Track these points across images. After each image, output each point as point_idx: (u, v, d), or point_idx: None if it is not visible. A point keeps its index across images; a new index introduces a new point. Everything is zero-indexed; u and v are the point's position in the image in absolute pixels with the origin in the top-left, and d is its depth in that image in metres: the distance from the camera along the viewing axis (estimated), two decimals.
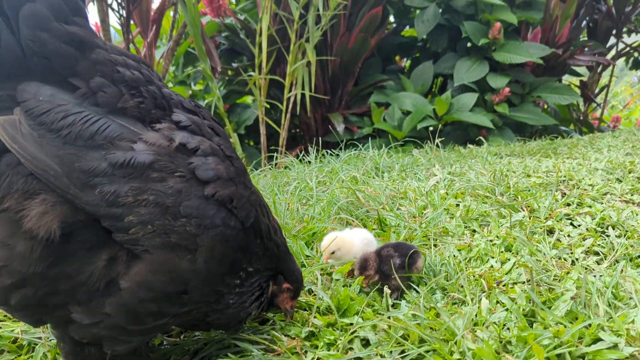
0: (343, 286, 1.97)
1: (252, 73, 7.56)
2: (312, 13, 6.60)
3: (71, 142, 1.19)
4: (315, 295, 1.89)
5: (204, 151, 1.30)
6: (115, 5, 6.37)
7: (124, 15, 6.30)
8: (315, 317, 1.74)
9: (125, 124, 1.24)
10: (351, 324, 1.68)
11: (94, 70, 1.26)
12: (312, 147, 4.36)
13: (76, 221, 1.19)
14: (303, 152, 4.65)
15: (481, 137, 5.81)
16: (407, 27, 9.26)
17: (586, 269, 2.01)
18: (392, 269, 1.91)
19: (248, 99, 8.98)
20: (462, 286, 1.90)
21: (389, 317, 1.67)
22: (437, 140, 4.26)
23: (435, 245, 2.34)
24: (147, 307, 1.24)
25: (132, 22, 6.52)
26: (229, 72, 8.29)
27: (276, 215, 2.63)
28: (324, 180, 3.47)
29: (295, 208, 2.81)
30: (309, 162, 4.15)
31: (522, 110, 7.55)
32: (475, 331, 1.56)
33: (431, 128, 7.17)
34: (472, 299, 1.79)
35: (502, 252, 2.20)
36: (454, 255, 2.19)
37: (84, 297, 1.22)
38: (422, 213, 2.77)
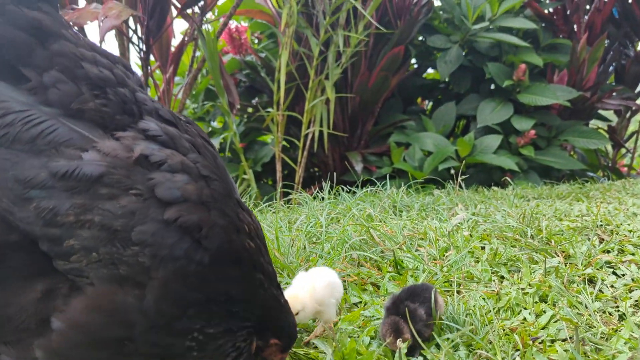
0: (349, 337, 1.70)
1: (270, 109, 7.47)
2: (332, 50, 6.51)
3: (7, 146, 0.98)
4: (316, 347, 1.61)
5: (172, 167, 1.06)
6: (135, 39, 6.37)
7: (144, 49, 6.29)
8: None
9: (77, 129, 1.03)
10: None
11: (51, 62, 1.06)
12: (326, 183, 4.12)
13: (8, 242, 0.97)
14: (318, 189, 4.41)
15: (507, 178, 5.50)
16: (430, 70, 9.16)
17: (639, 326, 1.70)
18: (416, 322, 1.62)
19: (268, 139, 8.87)
20: (490, 342, 1.61)
21: None
22: (460, 179, 3.99)
23: (458, 292, 2.06)
24: (83, 355, 0.99)
25: (151, 56, 6.51)
26: (249, 110, 8.20)
27: (279, 253, 2.38)
28: (336, 216, 3.22)
29: (302, 245, 2.56)
30: (323, 198, 3.91)
31: (548, 154, 7.25)
32: None
33: (453, 170, 6.91)
34: (503, 359, 1.51)
35: (536, 302, 1.91)
36: (481, 305, 1.91)
37: (11, 336, 0.99)
38: (444, 255, 2.49)
